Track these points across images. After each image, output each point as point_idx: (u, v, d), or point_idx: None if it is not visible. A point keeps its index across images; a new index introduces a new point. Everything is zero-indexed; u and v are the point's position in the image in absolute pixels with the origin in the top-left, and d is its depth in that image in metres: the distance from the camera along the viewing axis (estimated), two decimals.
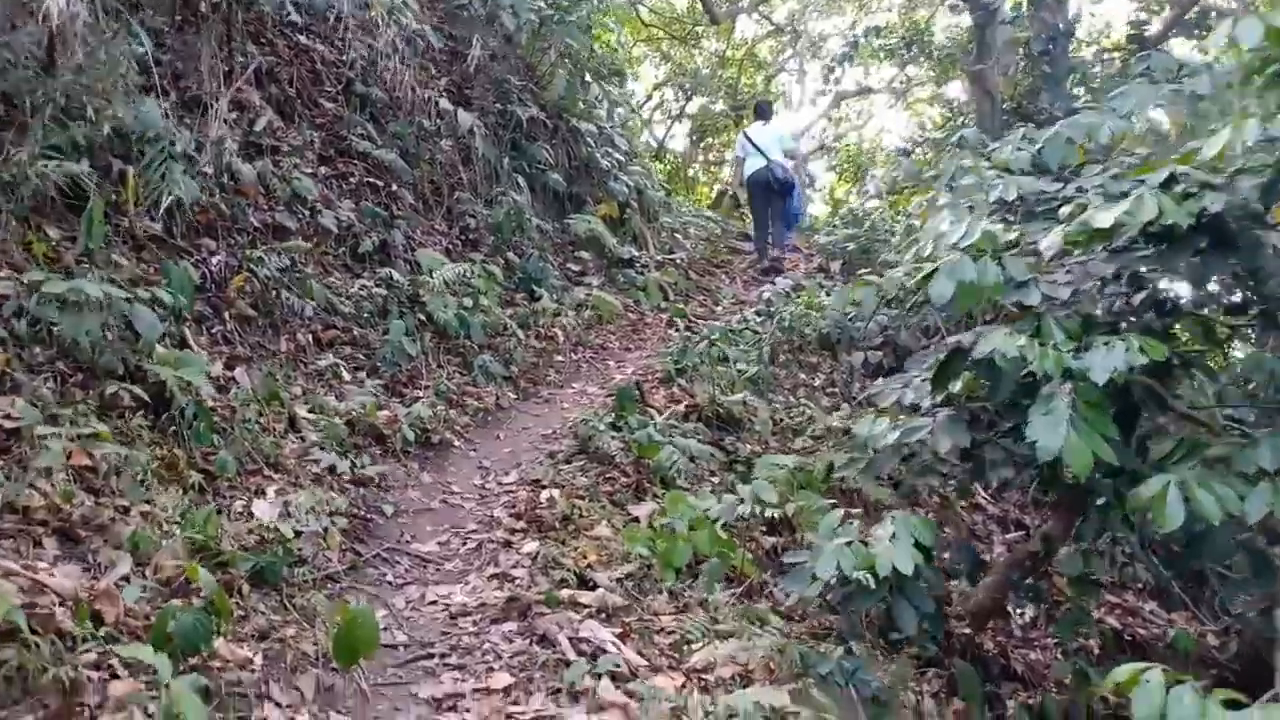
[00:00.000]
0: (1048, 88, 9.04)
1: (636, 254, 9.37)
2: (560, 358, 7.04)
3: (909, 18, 16.59)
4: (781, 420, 6.13)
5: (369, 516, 4.04)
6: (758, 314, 8.00)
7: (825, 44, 21.74)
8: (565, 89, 9.32)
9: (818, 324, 7.66)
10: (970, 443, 3.63)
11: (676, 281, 9.10)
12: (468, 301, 6.54)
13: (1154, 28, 10.09)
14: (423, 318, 6.24)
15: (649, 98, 20.92)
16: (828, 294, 8.57)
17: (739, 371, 6.55)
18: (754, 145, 11.09)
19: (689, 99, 20.12)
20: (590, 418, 5.16)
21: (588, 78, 9.76)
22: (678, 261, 9.73)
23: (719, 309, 8.89)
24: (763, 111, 12.05)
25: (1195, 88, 3.87)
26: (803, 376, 7.42)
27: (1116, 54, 10.17)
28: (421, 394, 5.53)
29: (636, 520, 4.14)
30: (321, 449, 4.26)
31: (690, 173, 20.99)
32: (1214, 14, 9.62)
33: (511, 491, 4.43)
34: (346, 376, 5.28)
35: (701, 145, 20.42)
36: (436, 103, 8.04)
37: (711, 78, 19.56)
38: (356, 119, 7.42)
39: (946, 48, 15.60)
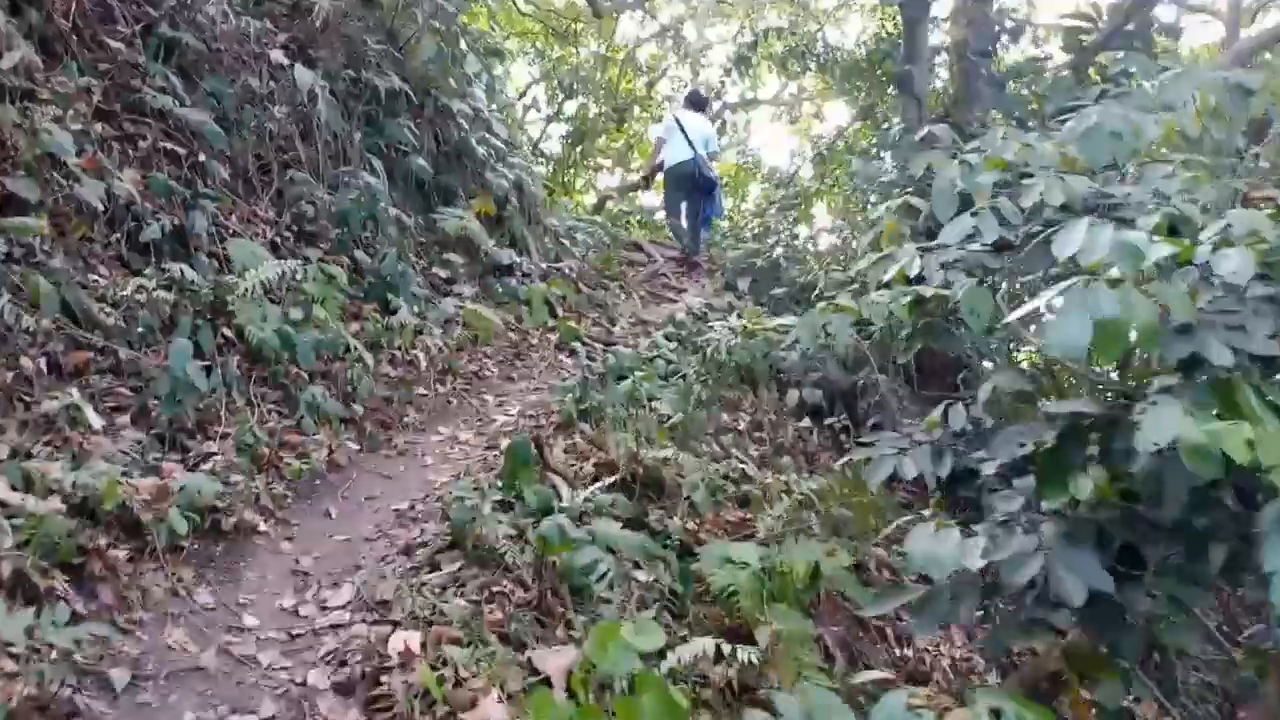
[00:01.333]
0: (978, 93, 8.01)
1: (517, 260, 7.77)
2: (423, 390, 5.36)
3: (803, 27, 15.64)
4: (716, 482, 4.68)
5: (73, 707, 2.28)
6: (668, 338, 6.55)
7: (708, 52, 20.80)
8: (434, 56, 7.63)
9: (743, 355, 6.28)
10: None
11: (566, 295, 7.55)
12: (296, 313, 4.80)
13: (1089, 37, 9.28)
14: (229, 334, 4.47)
15: (521, 95, 19.30)
16: (740, 316, 7.26)
17: (657, 415, 5.07)
18: (684, 132, 9.93)
19: (567, 98, 18.60)
20: (466, 490, 3.55)
21: (463, 45, 8.10)
22: (566, 271, 8.19)
23: (616, 329, 7.40)
24: (697, 101, 10.95)
25: None
26: (725, 418, 6.00)
27: (1047, 62, 9.30)
28: (216, 447, 3.79)
29: (546, 682, 2.57)
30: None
31: (567, 177, 19.47)
32: (1155, 25, 8.85)
33: (341, 626, 2.78)
34: (95, 423, 3.49)
35: (579, 149, 18.91)
36: (269, 58, 6.25)
37: (592, 77, 18.11)
38: (158, 68, 5.54)
39: (846, 58, 14.71)
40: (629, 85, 20.15)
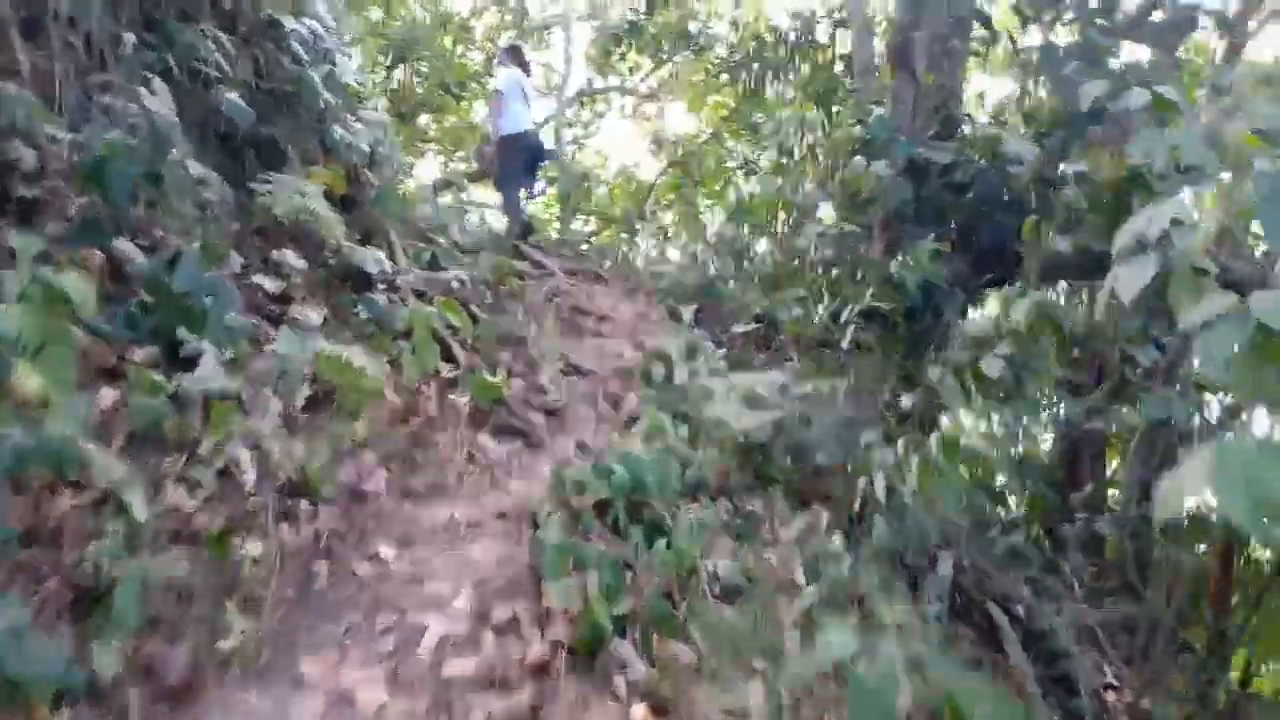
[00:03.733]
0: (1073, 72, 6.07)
1: (385, 266, 5.02)
2: (253, 545, 2.61)
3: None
4: None
5: None
6: (661, 408, 4.07)
7: (550, 30, 18.33)
8: None
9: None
10: None
11: (458, 324, 4.88)
12: None
13: None
14: None
15: None
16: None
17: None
18: (525, 97, 8.73)
19: (396, 65, 15.54)
20: None
21: None
22: (452, 285, 5.50)
23: (545, 381, 4.82)
24: (522, 58, 9.38)
25: None
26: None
27: None
28: None
29: None
30: None
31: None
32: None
33: None
34: None
35: (410, 123, 15.89)
36: None
37: (427, 42, 15.19)
38: None
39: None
40: (462, 63, 17.36)
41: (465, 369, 4.51)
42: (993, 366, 3.43)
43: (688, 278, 6.55)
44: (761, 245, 8.08)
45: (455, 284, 5.55)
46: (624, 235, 13.52)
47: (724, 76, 14.76)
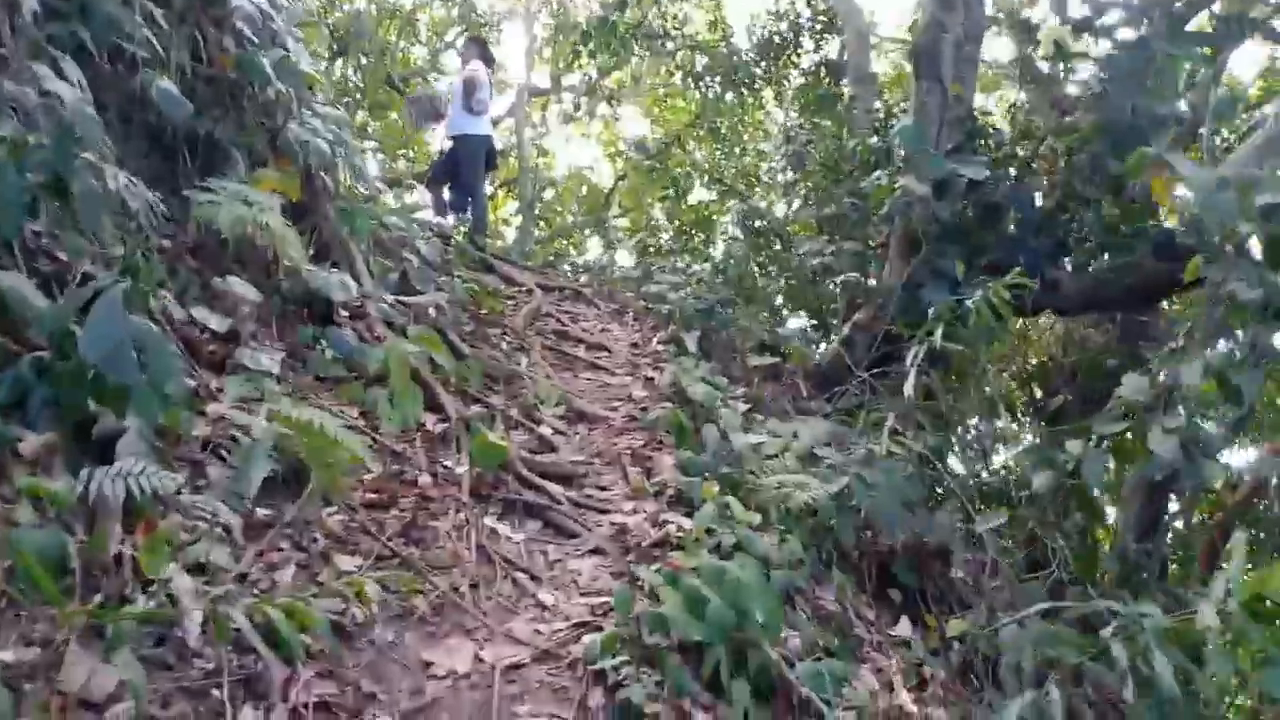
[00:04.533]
0: (1112, 86, 5.46)
1: (351, 290, 4.14)
2: None
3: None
4: None
5: None
6: (716, 481, 3.29)
7: (501, 26, 17.40)
8: None
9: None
10: None
11: (439, 360, 4.04)
12: None
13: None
14: None
15: None
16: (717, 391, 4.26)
17: None
18: (489, 96, 8.21)
19: (336, 56, 14.48)
20: None
21: None
22: (429, 312, 4.65)
23: (549, 430, 4.00)
24: (486, 53, 8.63)
25: None
26: None
27: None
28: None
29: None
30: None
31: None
32: None
33: None
34: None
35: (356, 123, 14.83)
36: None
37: (372, 32, 14.17)
38: None
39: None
40: (404, 59, 16.37)
41: (456, 420, 3.67)
42: (1162, 442, 2.75)
43: (687, 300, 5.79)
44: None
45: (433, 310, 4.69)
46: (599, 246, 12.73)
47: (688, 80, 14.08)
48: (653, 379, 4.92)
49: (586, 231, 16.80)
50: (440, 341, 4.28)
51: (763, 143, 14.77)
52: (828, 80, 9.57)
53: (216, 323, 3.22)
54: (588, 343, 5.69)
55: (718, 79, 12.94)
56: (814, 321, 7.37)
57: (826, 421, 4.42)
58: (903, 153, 6.16)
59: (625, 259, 14.45)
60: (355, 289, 4.14)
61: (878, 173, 5.89)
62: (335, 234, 4.88)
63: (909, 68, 6.92)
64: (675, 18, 12.24)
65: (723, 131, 14.07)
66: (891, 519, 3.49)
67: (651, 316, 6.37)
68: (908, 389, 4.19)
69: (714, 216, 14.83)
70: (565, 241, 15.59)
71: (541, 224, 15.39)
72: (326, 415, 2.82)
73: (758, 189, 13.71)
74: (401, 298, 4.69)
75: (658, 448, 3.79)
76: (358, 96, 14.90)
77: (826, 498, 3.26)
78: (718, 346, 5.76)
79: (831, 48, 10.61)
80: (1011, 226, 6.26)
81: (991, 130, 6.32)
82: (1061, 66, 6.67)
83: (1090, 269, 6.06)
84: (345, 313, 4.24)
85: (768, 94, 13.61)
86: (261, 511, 2.57)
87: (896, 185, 5.79)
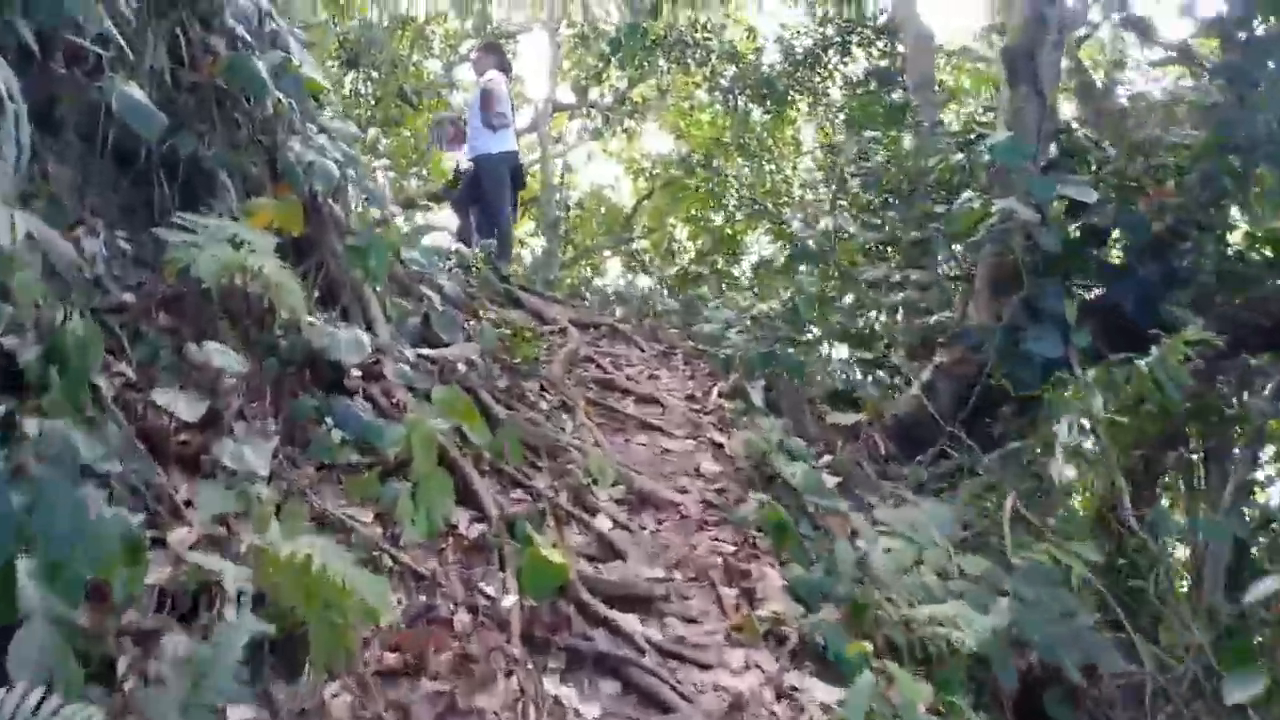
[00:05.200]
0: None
1: (365, 347, 3.35)
2: None
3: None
4: None
5: None
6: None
7: (517, 38, 16.70)
8: None
9: None
10: None
11: (477, 433, 3.26)
12: None
13: None
14: None
15: None
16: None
17: None
18: (511, 110, 7.53)
19: (347, 68, 13.80)
20: None
21: None
22: (456, 365, 3.86)
23: (607, 524, 3.20)
24: (504, 60, 7.90)
25: None
26: None
27: None
28: None
29: None
30: None
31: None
32: None
33: None
34: None
35: (361, 141, 14.13)
36: None
37: (384, 43, 13.47)
38: None
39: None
40: (417, 71, 15.68)
41: (497, 520, 2.88)
42: None
43: (750, 343, 4.99)
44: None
45: (462, 365, 3.91)
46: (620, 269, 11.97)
47: (716, 92, 13.35)
48: (721, 445, 4.12)
49: (606, 253, 16.06)
50: (471, 406, 3.49)
51: (794, 159, 14.04)
52: (876, 90, 8.80)
53: (187, 409, 2.44)
54: (637, 394, 4.90)
55: (747, 92, 12.22)
56: (859, 356, 6.55)
57: (942, 504, 3.62)
58: (994, 170, 5.39)
59: (645, 283, 13.72)
60: (369, 344, 3.35)
61: (967, 194, 5.10)
62: (345, 274, 4.11)
63: (981, 73, 6.16)
64: (706, 26, 11.50)
65: (752, 148, 13.33)
66: (1063, 652, 2.69)
67: (705, 360, 5.58)
68: (1056, 471, 3.38)
69: (739, 237, 14.09)
70: (584, 264, 14.83)
71: (566, 247, 14.64)
72: (331, 547, 2.03)
73: (787, 209, 12.98)
74: (424, 351, 3.90)
75: (753, 553, 2.99)
76: (369, 111, 14.23)
77: (988, 633, 2.46)
78: (785, 397, 4.96)
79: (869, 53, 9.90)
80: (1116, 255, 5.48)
81: (1090, 144, 5.52)
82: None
83: (1216, 305, 5.25)
84: (357, 373, 3.46)
85: (800, 108, 12.89)
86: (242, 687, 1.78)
87: (992, 209, 4.99)
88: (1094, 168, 5.48)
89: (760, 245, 14.42)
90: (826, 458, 4.14)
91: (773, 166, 13.38)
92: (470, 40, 16.79)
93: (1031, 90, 5.26)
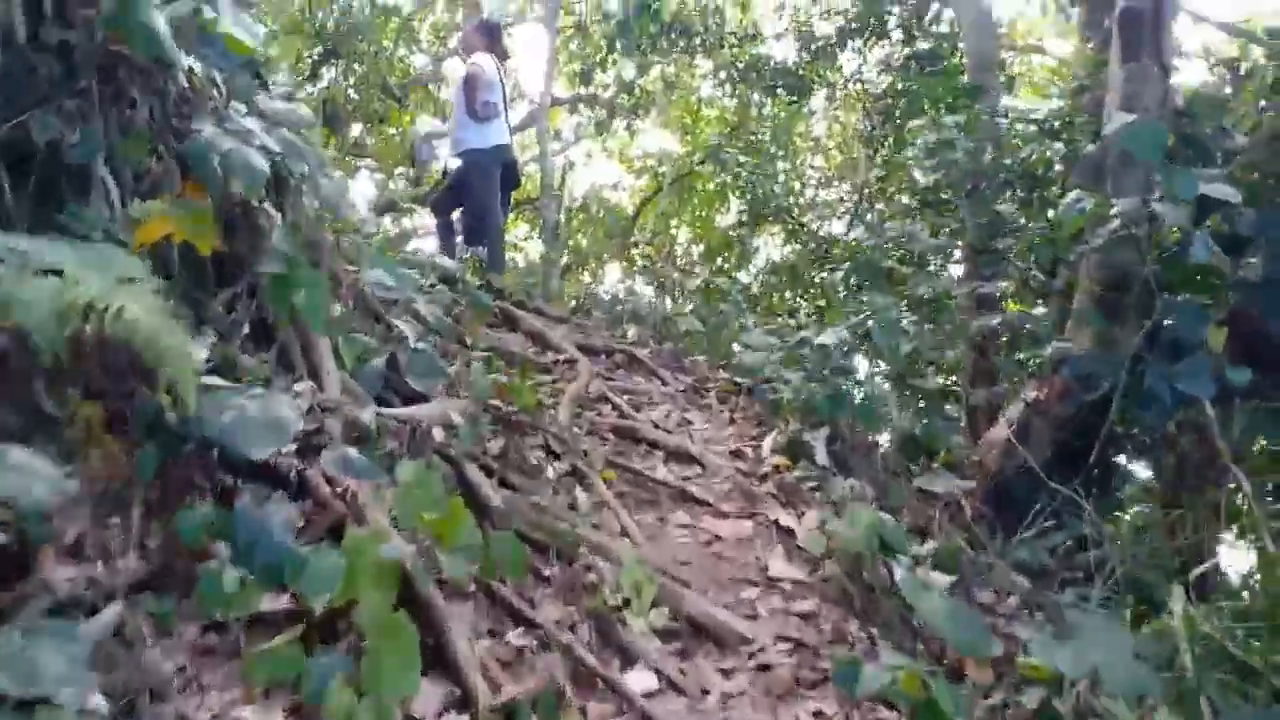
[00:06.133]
0: None
1: (292, 424, 2.31)
2: None
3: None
4: None
5: None
6: None
7: (510, 30, 15.63)
8: None
9: None
10: None
11: (455, 539, 2.24)
12: None
13: None
14: None
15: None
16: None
17: None
18: (504, 98, 6.49)
19: (325, 60, 12.73)
20: None
21: None
22: (435, 432, 2.83)
23: (646, 682, 2.18)
24: (495, 42, 6.80)
25: None
26: None
27: None
28: None
29: None
30: None
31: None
32: None
33: None
34: None
35: (337, 138, 13.09)
36: None
37: (367, 29, 12.40)
38: None
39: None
40: (402, 65, 14.61)
41: (484, 714, 1.83)
42: None
43: (811, 384, 3.94)
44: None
45: (439, 431, 2.86)
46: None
47: (725, 85, 12.31)
48: (790, 529, 3.08)
49: (606, 259, 14.99)
50: (457, 497, 2.46)
51: (808, 156, 13.01)
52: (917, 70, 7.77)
53: None
54: (666, 448, 3.85)
55: (761, 83, 11.18)
56: (916, 386, 5.52)
57: (1113, 623, 2.57)
58: (1109, 162, 4.35)
59: (651, 291, 12.70)
60: (295, 419, 2.28)
61: (1076, 193, 4.08)
62: (280, 306, 3.06)
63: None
64: (718, 10, 10.46)
65: (765, 144, 12.28)
66: None
67: (742, 398, 4.55)
68: None
69: (743, 239, 13.03)
70: (584, 270, 13.77)
71: (566, 253, 13.58)
72: None
73: (796, 209, 11.95)
74: (388, 410, 2.84)
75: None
76: (352, 107, 13.17)
77: None
78: (855, 451, 3.92)
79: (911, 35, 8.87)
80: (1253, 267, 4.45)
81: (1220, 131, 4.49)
82: None
83: None
84: (294, 446, 2.41)
85: (819, 100, 11.89)
86: None
87: (1112, 210, 3.95)
88: (1220, 160, 4.45)
89: (769, 248, 13.42)
90: (928, 545, 3.09)
91: (787, 165, 12.33)
92: (459, 33, 15.74)
93: (1152, 63, 4.24)
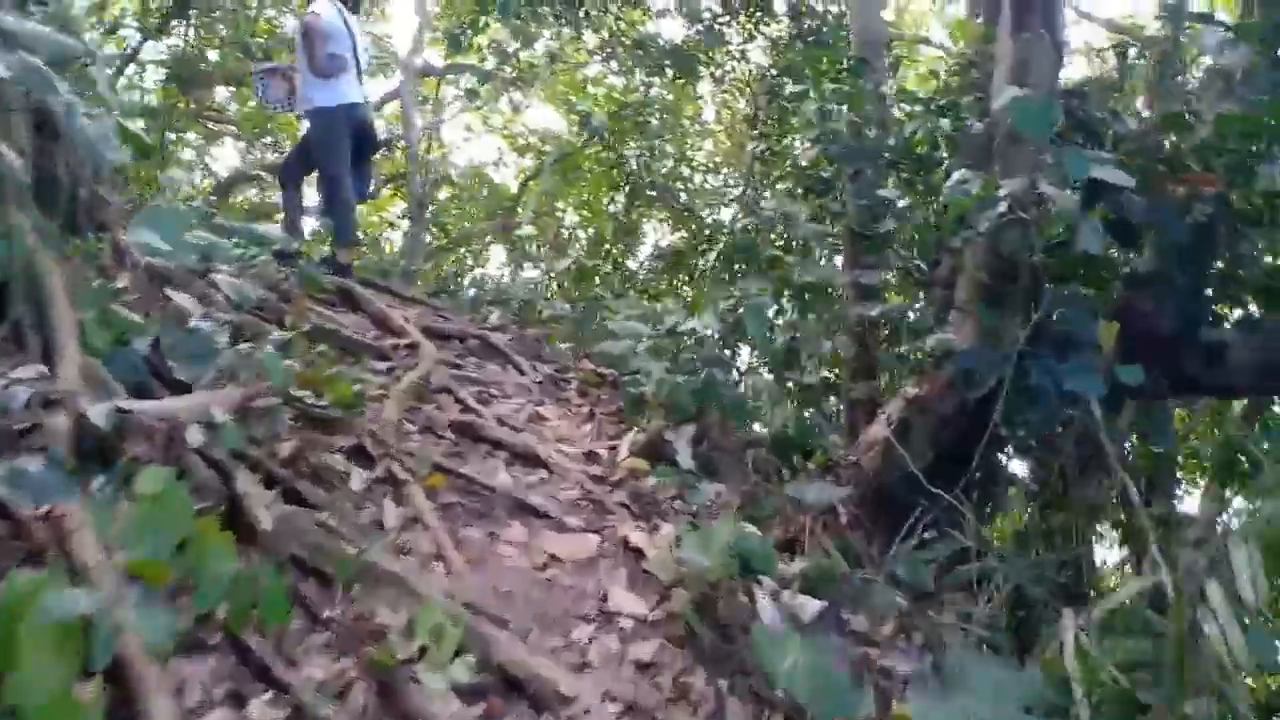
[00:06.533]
0: None
1: None
2: None
3: None
4: None
5: None
6: None
7: None
8: None
9: None
10: None
11: (212, 558, 1.71)
12: None
13: None
14: None
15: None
16: None
17: None
18: (355, 51, 5.76)
19: (173, 17, 11.66)
20: None
21: None
22: (191, 431, 2.27)
23: None
24: None
25: None
26: None
27: None
28: None
29: None
30: None
31: (166, 151, 12.28)
32: None
33: None
34: None
35: (184, 103, 12.04)
36: None
37: None
38: None
39: None
40: (264, 25, 13.57)
41: None
42: None
43: (675, 375, 3.51)
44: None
45: (199, 432, 2.29)
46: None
47: (610, 63, 11.85)
48: (640, 550, 2.64)
49: (488, 239, 14.33)
50: (210, 520, 1.92)
51: (698, 140, 12.67)
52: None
53: None
54: (511, 449, 3.36)
55: (646, 60, 10.76)
56: (789, 379, 5.18)
57: (999, 668, 2.22)
58: (997, 142, 4.06)
59: (532, 275, 12.17)
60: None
61: (962, 173, 3.76)
62: (23, 270, 2.44)
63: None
64: None
65: (653, 126, 11.86)
66: None
67: (606, 390, 4.10)
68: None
69: (637, 226, 12.63)
70: (463, 251, 13.10)
71: (436, 232, 12.85)
72: None
73: (684, 194, 11.61)
74: (135, 404, 2.26)
75: None
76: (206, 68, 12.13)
77: None
78: (722, 451, 3.51)
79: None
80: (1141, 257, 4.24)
81: (1111, 114, 4.26)
82: None
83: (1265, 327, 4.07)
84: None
85: (706, 84, 11.54)
86: None
87: (1000, 192, 3.64)
88: (1110, 145, 4.22)
89: (657, 234, 13.06)
90: (798, 563, 2.70)
91: (673, 149, 11.95)
92: None
93: (1043, 34, 3.96)
